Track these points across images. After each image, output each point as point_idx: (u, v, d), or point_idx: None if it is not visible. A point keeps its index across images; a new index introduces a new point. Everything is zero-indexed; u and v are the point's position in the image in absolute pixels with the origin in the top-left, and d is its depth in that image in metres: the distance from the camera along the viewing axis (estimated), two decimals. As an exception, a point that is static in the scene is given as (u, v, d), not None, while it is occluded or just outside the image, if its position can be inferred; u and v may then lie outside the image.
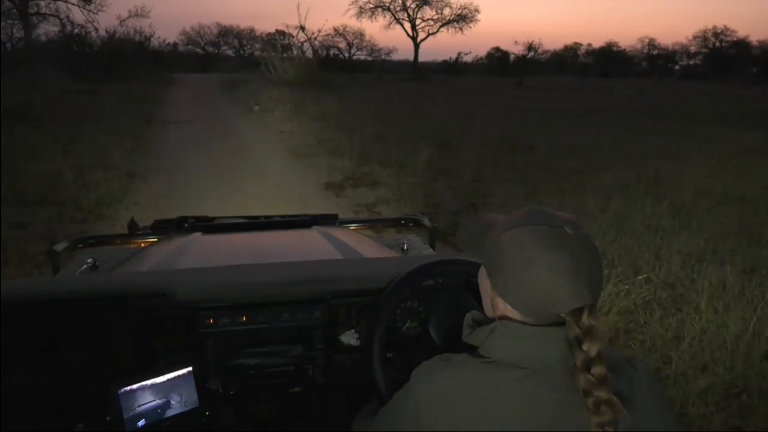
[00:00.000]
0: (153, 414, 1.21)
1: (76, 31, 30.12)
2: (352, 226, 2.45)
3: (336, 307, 1.40)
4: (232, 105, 18.97)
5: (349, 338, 1.41)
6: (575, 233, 0.81)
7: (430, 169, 8.09)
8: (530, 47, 51.69)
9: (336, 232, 2.08)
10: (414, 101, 18.48)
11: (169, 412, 1.23)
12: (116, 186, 6.78)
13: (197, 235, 2.04)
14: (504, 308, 0.86)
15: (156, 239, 2.15)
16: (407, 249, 2.28)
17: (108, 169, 7.27)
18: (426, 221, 2.43)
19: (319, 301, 1.37)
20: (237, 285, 1.38)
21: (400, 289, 1.28)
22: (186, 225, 2.16)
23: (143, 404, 1.20)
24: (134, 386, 1.19)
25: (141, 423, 1.19)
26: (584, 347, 0.78)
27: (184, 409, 1.25)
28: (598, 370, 0.76)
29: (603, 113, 17.71)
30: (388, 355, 1.28)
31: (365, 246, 1.97)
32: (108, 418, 1.16)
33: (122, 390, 1.17)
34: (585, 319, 0.79)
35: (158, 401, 1.22)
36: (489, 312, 0.93)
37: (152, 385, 1.21)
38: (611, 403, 0.75)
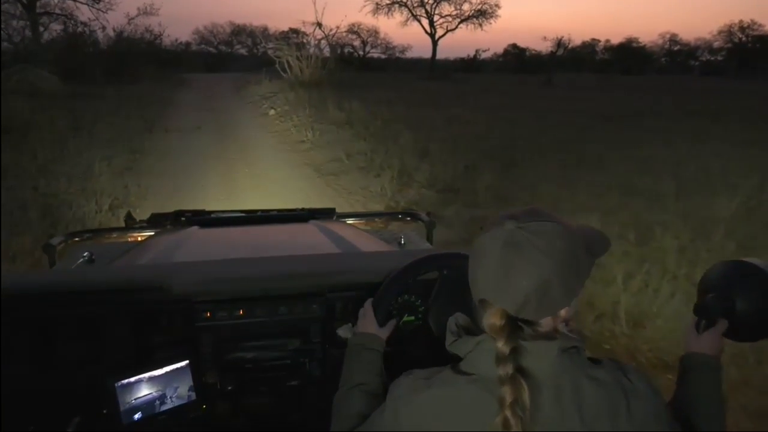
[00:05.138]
0: (149, 407, 1.22)
1: (79, 29, 28.71)
2: (350, 221, 2.45)
3: (333, 301, 1.39)
4: (245, 108, 16.95)
5: (346, 332, 1.35)
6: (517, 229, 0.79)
7: (490, 193, 6.49)
8: (559, 43, 48.39)
9: (333, 226, 2.09)
10: (443, 103, 16.74)
11: (166, 406, 1.24)
12: (96, 223, 5.27)
13: (194, 228, 2.05)
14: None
15: (152, 233, 2.16)
16: (404, 243, 2.28)
17: (89, 197, 5.76)
18: (423, 216, 2.44)
19: (316, 295, 1.38)
20: (234, 279, 1.39)
21: (396, 283, 1.28)
22: (183, 219, 2.18)
23: (140, 397, 1.21)
24: (131, 379, 1.20)
25: (137, 416, 1.21)
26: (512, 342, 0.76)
27: (181, 403, 1.26)
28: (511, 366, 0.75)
29: (651, 115, 15.81)
30: (386, 349, 1.26)
31: (362, 240, 1.98)
32: (104, 411, 1.18)
33: (119, 383, 1.18)
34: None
35: (155, 394, 1.23)
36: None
37: (149, 379, 1.23)
38: (513, 414, 0.73)
